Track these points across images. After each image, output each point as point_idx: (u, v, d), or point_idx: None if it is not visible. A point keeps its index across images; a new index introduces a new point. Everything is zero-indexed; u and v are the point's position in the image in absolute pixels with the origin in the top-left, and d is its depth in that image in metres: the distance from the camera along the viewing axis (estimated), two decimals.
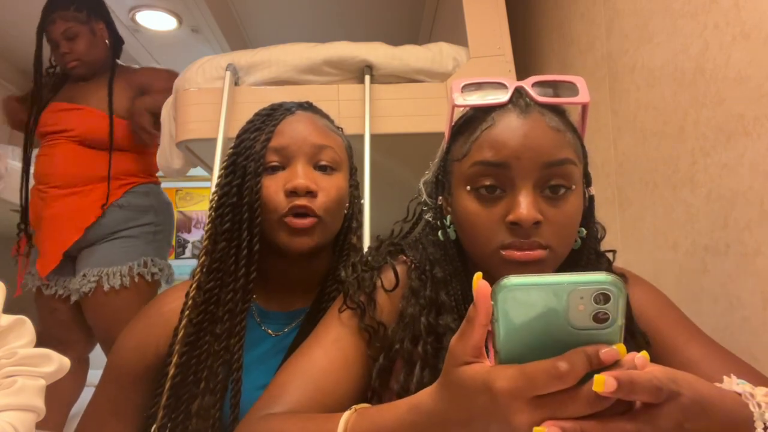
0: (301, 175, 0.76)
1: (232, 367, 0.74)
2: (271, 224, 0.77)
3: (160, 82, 1.81)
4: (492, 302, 0.40)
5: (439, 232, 0.70)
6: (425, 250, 0.71)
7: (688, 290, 0.95)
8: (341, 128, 0.90)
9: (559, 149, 0.61)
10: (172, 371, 0.74)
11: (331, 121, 0.88)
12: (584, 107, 0.66)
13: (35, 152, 1.83)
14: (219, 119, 1.46)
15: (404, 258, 0.73)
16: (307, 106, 0.86)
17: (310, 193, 0.76)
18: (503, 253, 0.60)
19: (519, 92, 0.64)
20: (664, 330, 0.70)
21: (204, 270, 0.78)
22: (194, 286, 0.78)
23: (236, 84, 1.56)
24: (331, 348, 0.65)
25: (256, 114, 0.83)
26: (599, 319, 0.38)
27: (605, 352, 0.38)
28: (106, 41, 1.85)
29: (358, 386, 0.66)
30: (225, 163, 0.80)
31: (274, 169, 0.78)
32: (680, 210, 0.98)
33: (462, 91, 0.65)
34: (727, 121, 0.85)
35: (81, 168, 1.75)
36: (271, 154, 0.77)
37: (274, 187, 0.76)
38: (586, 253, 0.68)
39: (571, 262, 0.67)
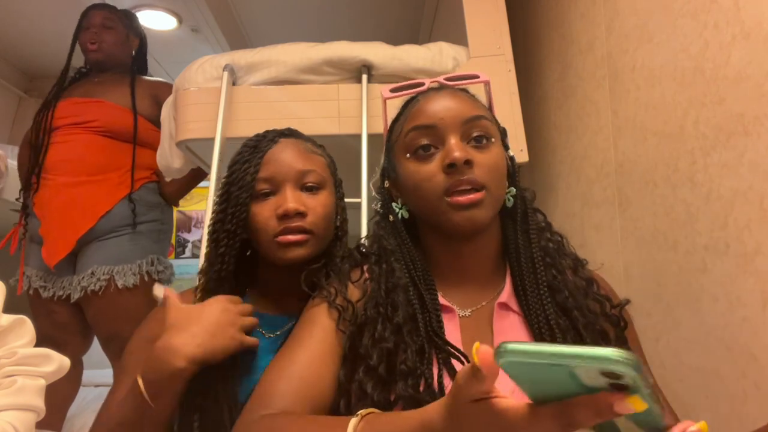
0: (290, 199, 0.84)
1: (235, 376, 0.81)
2: (266, 244, 0.85)
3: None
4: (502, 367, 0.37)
5: (390, 216, 0.79)
6: (376, 235, 0.81)
7: (688, 290, 0.95)
8: (323, 146, 0.97)
9: (474, 108, 0.75)
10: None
11: (313, 143, 0.95)
12: (487, 84, 0.86)
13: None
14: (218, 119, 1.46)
15: (365, 253, 0.82)
16: (288, 133, 0.94)
17: (300, 214, 0.84)
18: (448, 199, 0.69)
19: (435, 83, 0.81)
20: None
21: (202, 291, 0.86)
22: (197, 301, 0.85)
23: (235, 84, 1.56)
24: (309, 344, 0.71)
25: (244, 145, 0.91)
26: (617, 387, 0.33)
27: (618, 404, 0.34)
28: (132, 53, 2.01)
29: (335, 378, 0.69)
30: (220, 191, 0.89)
31: (266, 195, 0.86)
32: (680, 210, 0.98)
33: (391, 92, 0.84)
34: (727, 121, 0.85)
35: (98, 157, 1.75)
36: (261, 183, 0.86)
37: (266, 213, 0.84)
38: (520, 210, 0.78)
39: (509, 218, 0.78)
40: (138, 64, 2.03)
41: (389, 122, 0.85)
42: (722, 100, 0.87)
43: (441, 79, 0.82)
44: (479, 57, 1.55)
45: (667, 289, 1.01)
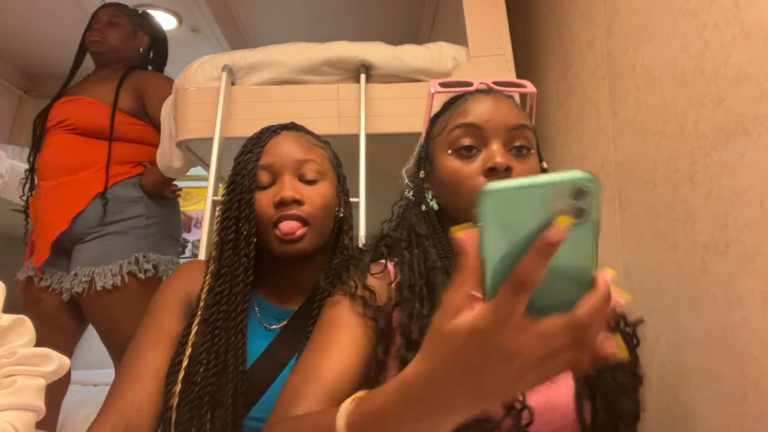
0: (287, 187, 0.86)
1: (238, 353, 0.82)
2: (265, 234, 0.87)
3: (160, 90, 1.81)
4: (479, 212, 0.38)
5: (422, 205, 0.81)
6: (406, 219, 0.82)
7: (688, 290, 0.95)
8: (327, 142, 0.99)
9: (520, 117, 0.77)
10: (185, 363, 0.81)
11: (316, 137, 0.97)
12: (533, 96, 0.89)
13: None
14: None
15: (391, 239, 0.81)
16: (291, 126, 0.96)
17: (297, 202, 0.85)
18: None
19: (483, 84, 0.85)
20: None
21: (213, 275, 0.87)
22: (206, 288, 0.86)
23: (234, 84, 1.56)
24: (336, 346, 0.70)
25: (249, 138, 0.94)
26: (577, 216, 0.38)
27: (551, 232, 0.36)
28: (141, 50, 1.98)
29: (363, 378, 0.68)
30: (227, 182, 0.91)
31: (266, 187, 0.88)
32: (680, 210, 0.98)
33: (441, 86, 0.86)
34: (727, 121, 0.85)
35: (70, 157, 1.74)
36: (261, 172, 0.88)
37: (265, 201, 0.87)
38: None
39: None
40: (151, 61, 2.04)
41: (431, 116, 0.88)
42: (722, 100, 0.87)
43: (489, 82, 0.85)
44: (479, 57, 1.56)
45: (667, 289, 1.01)
